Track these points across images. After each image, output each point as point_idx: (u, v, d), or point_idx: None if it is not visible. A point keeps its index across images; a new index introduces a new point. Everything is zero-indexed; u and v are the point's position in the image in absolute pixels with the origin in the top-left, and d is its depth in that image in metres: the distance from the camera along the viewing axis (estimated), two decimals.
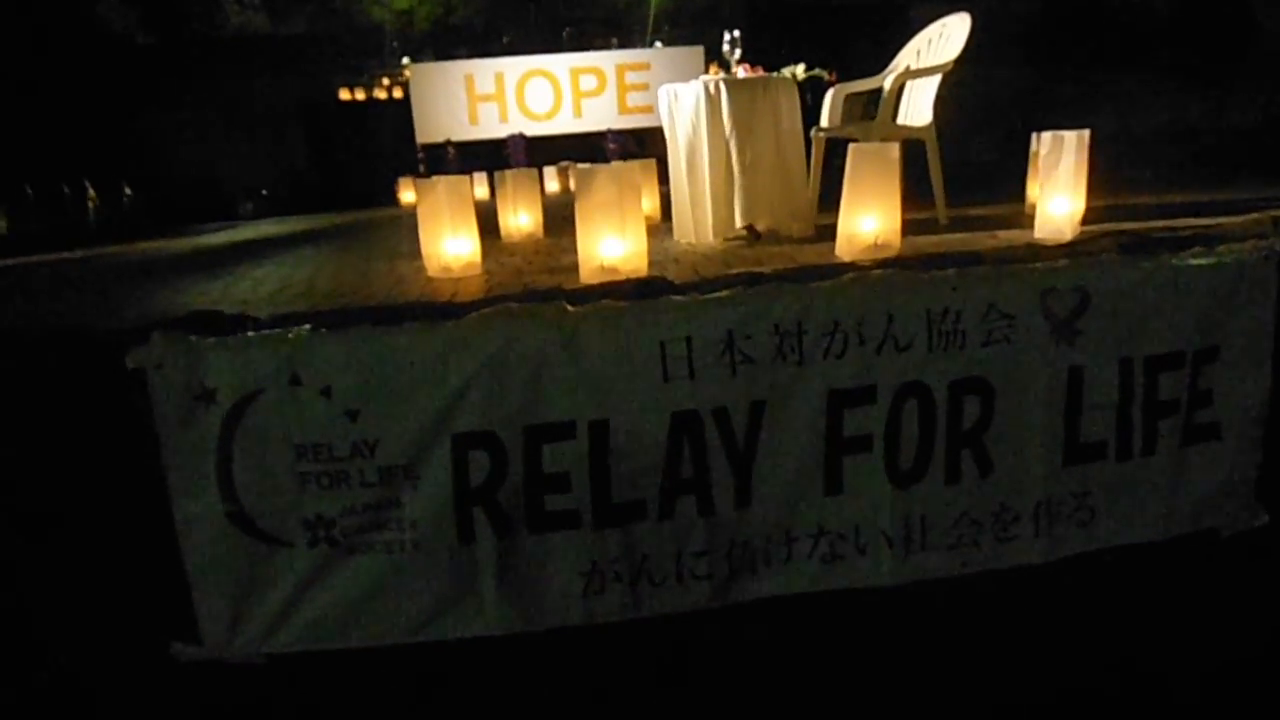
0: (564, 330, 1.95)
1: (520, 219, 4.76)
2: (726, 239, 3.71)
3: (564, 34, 19.25)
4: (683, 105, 3.70)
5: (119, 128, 15.84)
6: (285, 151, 17.63)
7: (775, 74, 3.75)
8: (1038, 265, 2.23)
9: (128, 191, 12.99)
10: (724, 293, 2.07)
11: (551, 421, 1.97)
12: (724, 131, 3.57)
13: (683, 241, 3.85)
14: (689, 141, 3.69)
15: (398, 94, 19.02)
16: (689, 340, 1.98)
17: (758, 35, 17.31)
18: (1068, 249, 2.67)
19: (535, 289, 2.72)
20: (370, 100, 19.51)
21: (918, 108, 4.02)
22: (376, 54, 18.83)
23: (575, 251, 2.91)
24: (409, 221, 4.35)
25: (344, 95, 19.40)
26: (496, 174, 4.74)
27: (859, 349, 2.04)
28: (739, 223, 3.65)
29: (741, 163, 3.59)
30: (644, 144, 15.28)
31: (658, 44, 17.60)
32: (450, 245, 3.29)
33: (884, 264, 2.63)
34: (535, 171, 4.81)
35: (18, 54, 15.57)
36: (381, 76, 19.02)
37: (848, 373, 2.05)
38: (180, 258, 5.88)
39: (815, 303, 2.02)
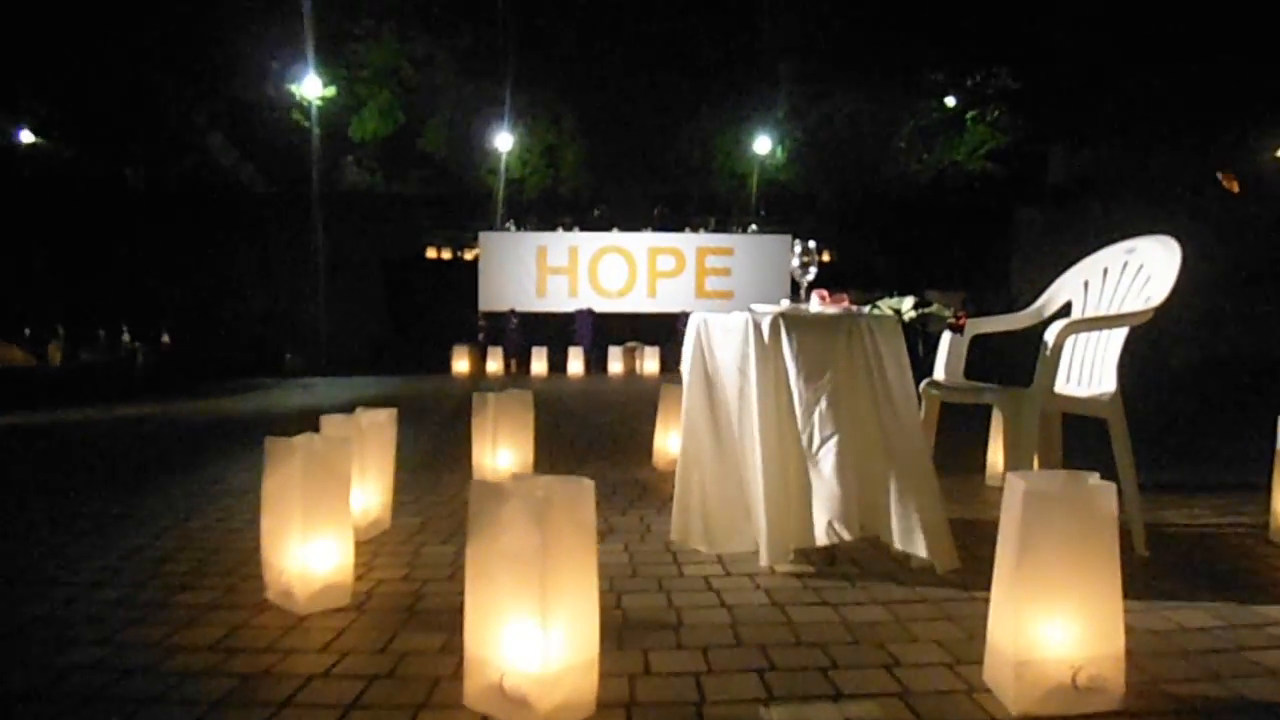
0: None
1: (499, 458, 3.45)
2: (780, 564, 2.25)
3: (655, 212, 19.14)
4: (720, 347, 2.39)
5: (179, 273, 16.05)
6: (358, 305, 17.49)
7: (870, 309, 2.42)
8: None
9: (165, 339, 12.63)
10: None
11: None
12: (785, 393, 2.22)
13: (692, 561, 2.41)
14: (725, 403, 2.35)
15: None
16: None
17: (850, 233, 16.66)
18: None
19: None
20: (456, 260, 19.53)
21: (1093, 369, 2.60)
22: (482, 218, 19.05)
23: None
24: (442, 405, 3.25)
25: (430, 254, 19.54)
26: (475, 395, 3.49)
27: None
28: (809, 539, 2.21)
29: (811, 447, 2.20)
30: None
31: (753, 228, 17.06)
32: (299, 556, 1.95)
33: None
34: (529, 395, 3.55)
35: (94, 196, 16.31)
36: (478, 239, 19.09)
37: None
38: (130, 443, 4.77)
39: None
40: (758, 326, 2.22)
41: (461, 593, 2.01)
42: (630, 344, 12.64)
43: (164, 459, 4.41)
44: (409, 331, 15.82)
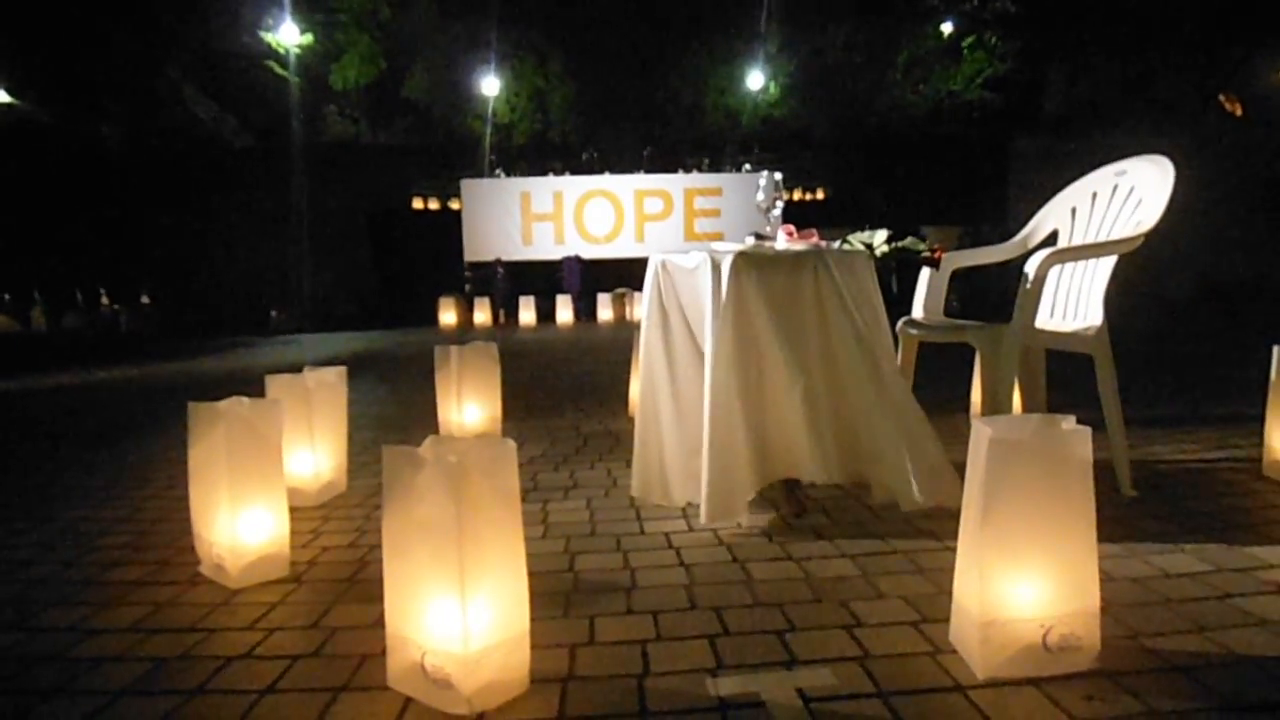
0: None
1: (466, 413, 3.32)
2: (720, 522, 2.14)
3: (644, 153, 18.72)
4: (681, 290, 2.23)
5: (160, 231, 15.72)
6: (345, 259, 17.20)
7: (841, 243, 2.26)
8: None
9: (145, 300, 12.42)
10: None
11: None
12: (745, 336, 2.07)
13: (655, 518, 2.31)
14: (684, 349, 2.21)
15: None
16: None
17: (846, 168, 16.27)
18: None
19: None
20: (444, 210, 19.21)
21: (1079, 301, 2.45)
22: (471, 165, 18.69)
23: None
24: (422, 360, 3.36)
25: (417, 204, 19.21)
26: (437, 349, 3.34)
27: None
28: (764, 479, 2.10)
29: (778, 390, 2.07)
30: None
31: (746, 166, 16.68)
32: (229, 527, 1.83)
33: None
34: (493, 348, 3.40)
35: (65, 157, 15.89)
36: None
37: None
38: (98, 407, 4.57)
39: None
40: (717, 266, 2.06)
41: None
42: (620, 290, 12.45)
43: (127, 424, 4.29)
44: (396, 284, 15.57)
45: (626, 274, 13.04)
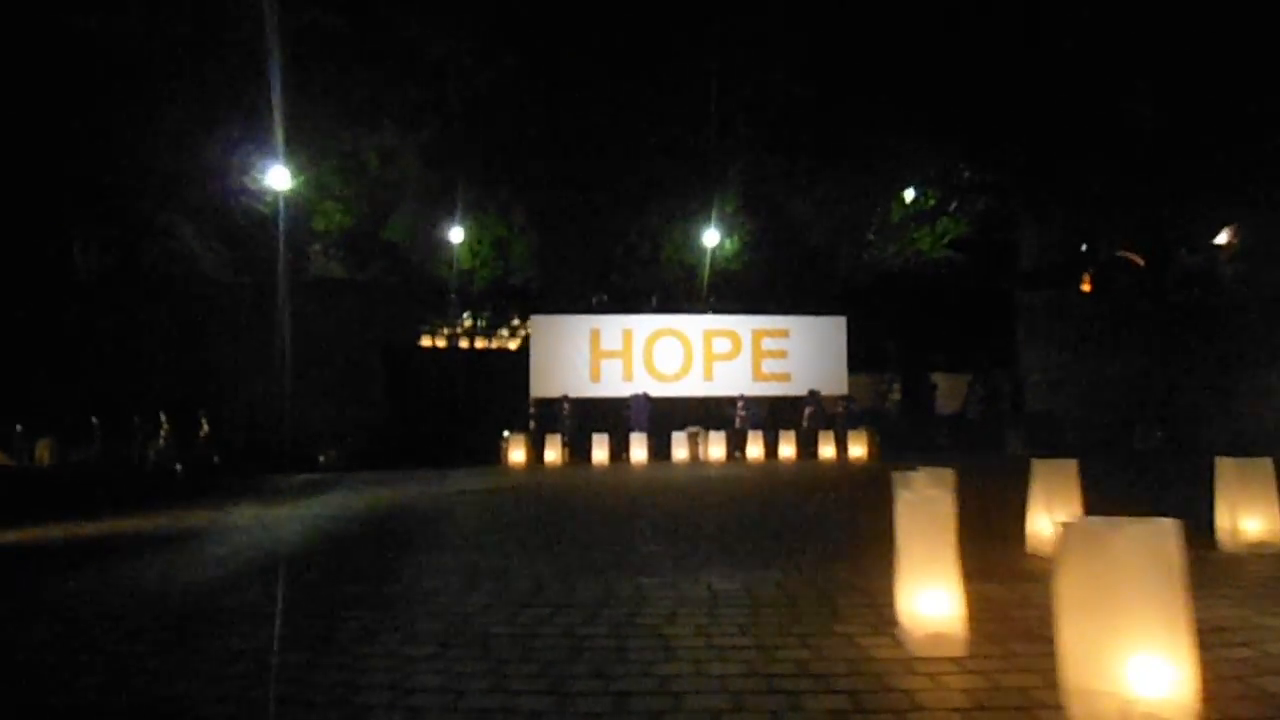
0: None
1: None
2: None
3: (653, 299, 18.82)
4: None
5: (191, 360, 15.06)
6: (365, 394, 16.65)
7: None
8: None
9: (205, 427, 11.57)
10: None
11: None
12: None
13: None
14: None
15: (480, 344, 18.85)
16: None
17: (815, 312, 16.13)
18: None
19: None
20: (452, 348, 19.12)
21: None
22: (437, 307, 18.87)
23: None
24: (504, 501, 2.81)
25: (425, 342, 19.17)
26: (1035, 463, 3.03)
27: None
28: None
29: None
30: (775, 414, 13.97)
31: (709, 315, 16.95)
32: (1131, 674, 1.46)
33: None
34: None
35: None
36: (455, 326, 18.95)
37: None
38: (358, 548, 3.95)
39: None
40: None
41: None
42: (693, 429, 12.18)
43: (408, 585, 3.77)
44: (423, 421, 15.10)
45: (695, 413, 12.84)
